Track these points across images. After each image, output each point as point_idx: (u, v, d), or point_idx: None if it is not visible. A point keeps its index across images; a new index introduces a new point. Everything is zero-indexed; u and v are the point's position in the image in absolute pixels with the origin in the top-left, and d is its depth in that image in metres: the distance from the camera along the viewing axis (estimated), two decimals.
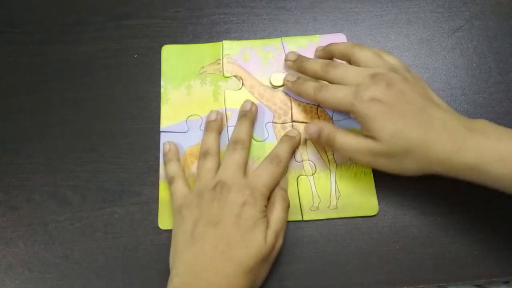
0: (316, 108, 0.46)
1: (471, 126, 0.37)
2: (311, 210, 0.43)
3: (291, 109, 0.46)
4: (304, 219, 0.43)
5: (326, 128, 0.41)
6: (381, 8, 0.51)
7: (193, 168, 0.44)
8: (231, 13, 0.51)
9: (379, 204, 0.43)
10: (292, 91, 0.46)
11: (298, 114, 0.46)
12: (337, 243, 0.42)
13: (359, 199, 0.43)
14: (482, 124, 0.37)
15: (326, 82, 0.43)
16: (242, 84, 0.47)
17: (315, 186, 0.44)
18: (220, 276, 0.35)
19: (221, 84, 0.47)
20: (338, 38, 0.49)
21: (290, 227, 0.43)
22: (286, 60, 0.47)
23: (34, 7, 0.52)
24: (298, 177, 0.44)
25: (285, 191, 0.42)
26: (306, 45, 0.49)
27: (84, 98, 0.48)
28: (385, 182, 0.42)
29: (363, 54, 0.42)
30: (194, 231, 0.37)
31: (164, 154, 0.44)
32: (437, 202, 0.43)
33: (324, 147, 0.45)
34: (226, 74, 0.48)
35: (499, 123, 0.45)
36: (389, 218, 0.43)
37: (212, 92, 0.47)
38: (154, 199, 0.44)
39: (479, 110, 0.46)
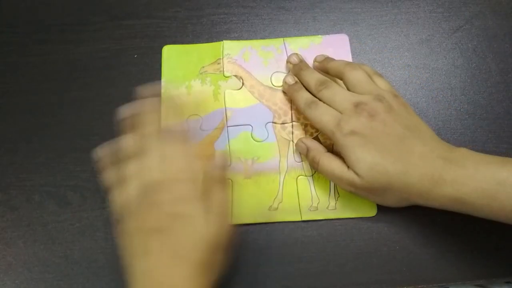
0: None
1: (450, 157, 0.37)
2: (310, 211, 0.43)
3: (291, 110, 0.46)
4: (303, 219, 0.43)
5: (313, 149, 0.42)
6: (381, 8, 0.51)
7: None
8: (231, 13, 0.51)
9: (378, 205, 0.43)
10: (288, 95, 0.46)
11: (298, 115, 0.46)
12: (337, 243, 0.42)
13: (358, 200, 0.43)
14: (462, 154, 0.37)
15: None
16: (242, 84, 0.47)
17: (314, 187, 0.44)
18: (177, 280, 0.35)
19: (221, 84, 0.47)
20: (340, 39, 0.49)
21: (290, 227, 0.43)
22: (287, 61, 0.47)
23: (34, 7, 0.52)
24: (298, 177, 0.44)
25: (221, 167, 0.40)
26: (308, 46, 0.49)
27: (84, 98, 0.48)
28: None
29: (353, 75, 0.42)
30: (140, 243, 0.36)
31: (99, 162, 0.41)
32: None
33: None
34: (226, 74, 0.48)
35: (499, 123, 0.45)
36: (389, 219, 0.42)
37: (212, 92, 0.47)
38: None
39: (479, 110, 0.46)
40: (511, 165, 0.35)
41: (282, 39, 0.49)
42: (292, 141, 0.45)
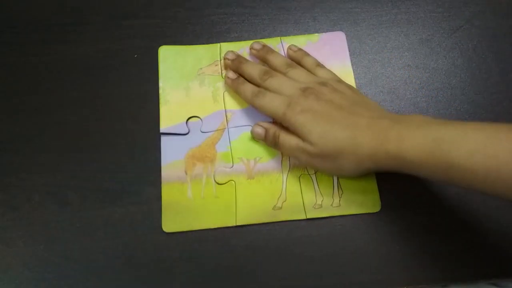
0: None
1: (398, 119, 0.39)
2: (315, 208, 0.43)
3: None
4: (308, 217, 0.43)
5: (271, 128, 0.44)
6: (381, 8, 0.51)
7: (195, 170, 0.44)
8: (231, 13, 0.51)
9: (381, 202, 0.43)
10: (231, 88, 0.47)
11: None
12: (337, 243, 0.42)
13: (361, 197, 0.43)
14: (411, 117, 0.38)
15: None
16: None
17: (317, 184, 0.44)
18: None
19: (220, 86, 0.47)
20: (337, 37, 0.49)
21: (290, 227, 0.43)
22: (224, 58, 0.48)
23: (34, 7, 0.52)
24: (300, 175, 0.44)
25: None
26: (305, 44, 0.49)
27: (84, 98, 0.48)
28: (386, 180, 0.43)
29: (296, 73, 0.45)
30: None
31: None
32: (437, 202, 0.43)
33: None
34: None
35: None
36: (389, 219, 0.42)
37: (211, 93, 0.47)
38: (154, 199, 0.44)
39: (479, 110, 0.46)
40: (451, 125, 0.35)
41: (279, 38, 0.49)
42: None
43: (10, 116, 0.47)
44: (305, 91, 0.42)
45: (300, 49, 0.48)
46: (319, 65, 0.47)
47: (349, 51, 0.49)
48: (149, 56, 0.49)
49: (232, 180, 0.44)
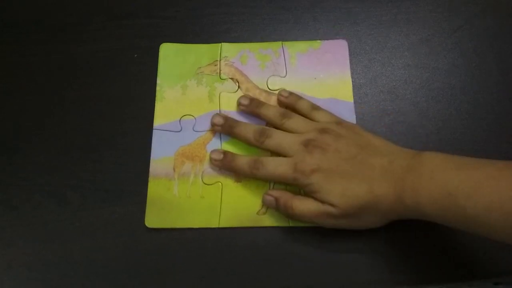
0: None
1: (410, 164, 0.36)
2: None
3: None
4: (291, 225, 0.42)
5: (281, 197, 0.41)
6: (381, 7, 0.51)
7: (184, 168, 0.44)
8: (231, 13, 0.51)
9: None
10: (223, 169, 0.44)
11: None
12: (337, 243, 0.42)
13: None
14: (421, 160, 0.36)
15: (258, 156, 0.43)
16: (238, 87, 0.47)
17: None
18: None
19: (217, 86, 0.47)
20: (339, 44, 0.49)
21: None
22: (212, 125, 0.45)
23: (34, 7, 0.52)
24: None
25: None
26: (306, 51, 0.49)
27: (84, 98, 0.48)
28: None
29: (293, 123, 0.43)
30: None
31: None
32: None
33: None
34: (223, 76, 0.48)
35: (499, 123, 0.45)
36: None
37: (207, 93, 0.47)
38: None
39: (479, 110, 0.46)
40: (465, 173, 0.34)
41: (280, 42, 0.49)
42: None
43: (10, 116, 0.47)
44: (308, 145, 0.40)
45: (291, 94, 0.46)
46: (315, 107, 0.44)
47: (349, 50, 0.49)
48: (149, 55, 0.49)
49: (219, 181, 0.44)
